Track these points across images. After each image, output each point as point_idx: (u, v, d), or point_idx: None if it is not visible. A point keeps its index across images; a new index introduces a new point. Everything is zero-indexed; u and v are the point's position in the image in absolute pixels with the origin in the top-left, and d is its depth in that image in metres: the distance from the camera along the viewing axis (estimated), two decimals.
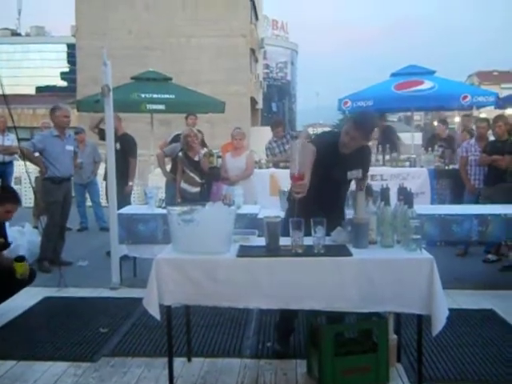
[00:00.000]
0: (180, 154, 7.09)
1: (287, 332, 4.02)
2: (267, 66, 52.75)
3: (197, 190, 6.98)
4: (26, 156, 6.66)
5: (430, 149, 8.71)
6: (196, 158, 7.01)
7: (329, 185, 3.80)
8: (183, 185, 6.98)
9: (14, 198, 4.87)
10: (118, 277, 5.81)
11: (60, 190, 6.69)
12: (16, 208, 4.87)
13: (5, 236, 4.95)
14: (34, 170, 8.62)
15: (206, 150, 7.29)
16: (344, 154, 3.82)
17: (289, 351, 3.96)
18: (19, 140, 7.13)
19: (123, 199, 6.76)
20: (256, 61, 34.01)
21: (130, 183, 7.61)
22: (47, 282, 5.82)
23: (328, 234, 3.47)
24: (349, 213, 4.03)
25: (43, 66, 44.97)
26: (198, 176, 6.99)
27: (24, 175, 11.43)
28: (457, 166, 7.76)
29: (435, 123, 10.93)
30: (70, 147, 6.87)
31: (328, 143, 3.82)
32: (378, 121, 3.98)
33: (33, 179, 8.61)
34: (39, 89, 41.65)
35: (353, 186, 4.11)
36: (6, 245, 4.93)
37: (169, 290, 3.25)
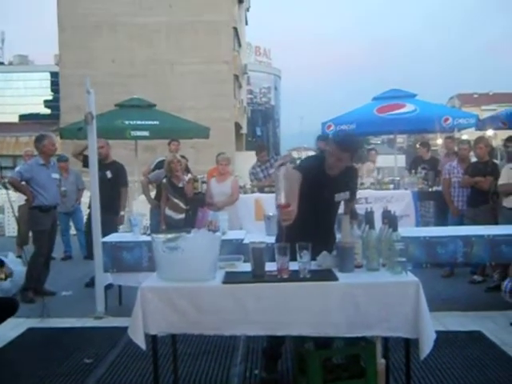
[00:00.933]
0: (164, 180, 7.07)
1: (274, 358, 3.98)
2: (251, 92, 53.12)
3: (182, 216, 6.96)
4: (13, 185, 6.64)
5: (413, 171, 8.79)
6: (180, 185, 7.00)
7: (318, 208, 3.80)
8: (168, 211, 6.95)
9: None
10: (102, 306, 5.74)
11: (48, 219, 6.66)
12: None
13: None
14: (17, 198, 8.55)
15: (190, 175, 7.29)
16: (331, 176, 3.83)
17: (276, 378, 3.91)
18: (2, 168, 7.09)
19: (112, 230, 6.63)
20: (240, 86, 34.24)
21: (122, 213, 7.42)
22: (30, 313, 5.73)
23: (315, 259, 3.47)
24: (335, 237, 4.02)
25: (26, 95, 44.89)
26: (183, 202, 6.97)
27: (7, 204, 11.32)
28: (440, 188, 7.83)
29: (418, 146, 11.08)
30: (55, 175, 6.86)
31: (314, 167, 3.82)
32: (361, 142, 4.03)
33: (16, 208, 8.53)
34: (22, 117, 41.46)
35: (341, 208, 4.12)
36: None
37: (154, 319, 3.21)
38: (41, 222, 6.59)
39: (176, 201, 6.94)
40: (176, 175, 7.00)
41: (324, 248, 3.59)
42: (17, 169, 6.97)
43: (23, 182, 6.60)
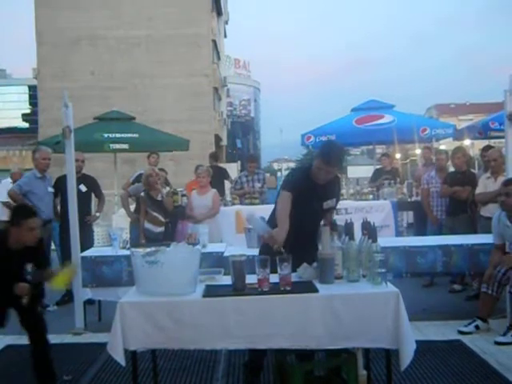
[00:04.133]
0: (142, 193, 7.02)
1: (256, 371, 3.95)
2: (231, 104, 53.25)
3: (161, 229, 6.90)
4: (12, 198, 6.61)
5: (385, 183, 8.87)
6: (159, 198, 6.95)
7: (307, 218, 3.81)
8: (147, 225, 6.88)
9: (32, 211, 4.25)
10: (81, 321, 5.65)
11: (45, 233, 6.59)
12: (39, 222, 4.22)
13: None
14: None
15: (168, 189, 7.24)
16: (319, 185, 3.85)
17: None
18: None
19: (87, 236, 6.70)
20: (219, 99, 34.29)
21: (98, 214, 7.50)
22: (8, 330, 5.61)
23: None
24: None
25: (4, 108, 44.50)
26: (162, 215, 6.91)
27: None
28: (419, 198, 7.89)
29: (381, 157, 11.21)
30: (51, 189, 6.81)
31: (302, 179, 3.83)
32: (345, 151, 4.13)
33: None
34: (0, 131, 41.07)
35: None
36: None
37: (133, 335, 3.17)
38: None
39: (155, 214, 6.89)
40: (154, 188, 6.95)
41: (312, 257, 3.59)
42: (4, 181, 6.97)
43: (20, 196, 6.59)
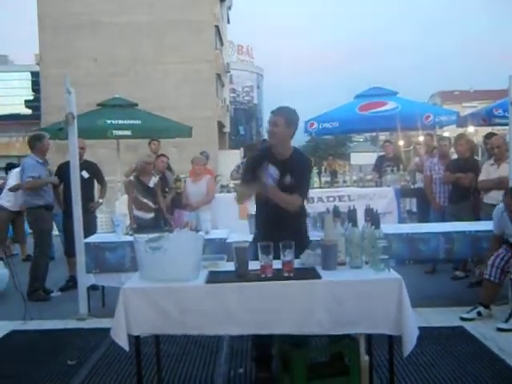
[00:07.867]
0: (132, 178, 6.88)
1: (265, 359, 3.89)
2: (234, 90, 53.04)
3: (151, 215, 6.80)
4: (33, 187, 6.57)
5: (389, 169, 8.86)
6: (150, 184, 6.83)
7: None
8: (137, 212, 6.72)
9: None
10: (85, 307, 5.69)
11: (51, 218, 6.70)
12: None
13: None
14: None
15: (158, 178, 7.08)
16: (279, 161, 3.90)
17: (270, 377, 3.79)
18: None
19: (90, 222, 6.77)
20: (222, 85, 34.20)
21: (101, 200, 7.51)
22: (12, 316, 5.67)
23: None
24: (318, 235, 4.03)
25: (6, 95, 44.34)
26: (151, 201, 6.81)
27: None
28: (422, 185, 7.89)
29: (384, 143, 11.11)
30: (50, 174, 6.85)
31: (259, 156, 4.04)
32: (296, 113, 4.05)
33: None
34: (2, 117, 40.97)
35: (321, 207, 4.13)
36: None
37: (137, 320, 3.19)
38: (46, 221, 6.67)
39: (144, 200, 6.72)
40: (146, 173, 6.83)
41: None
42: (16, 171, 6.98)
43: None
